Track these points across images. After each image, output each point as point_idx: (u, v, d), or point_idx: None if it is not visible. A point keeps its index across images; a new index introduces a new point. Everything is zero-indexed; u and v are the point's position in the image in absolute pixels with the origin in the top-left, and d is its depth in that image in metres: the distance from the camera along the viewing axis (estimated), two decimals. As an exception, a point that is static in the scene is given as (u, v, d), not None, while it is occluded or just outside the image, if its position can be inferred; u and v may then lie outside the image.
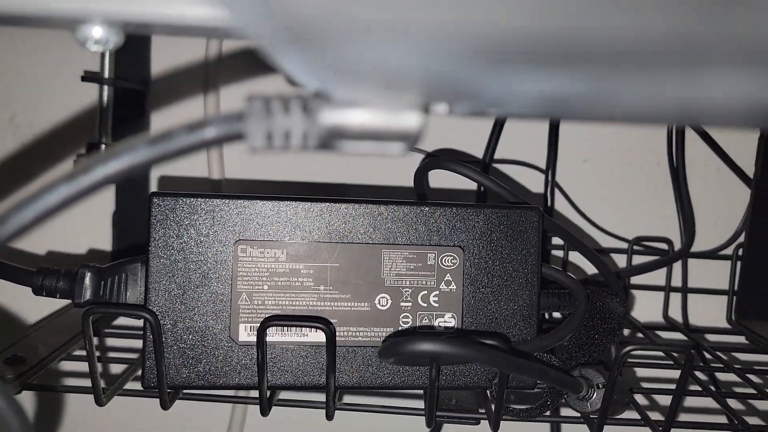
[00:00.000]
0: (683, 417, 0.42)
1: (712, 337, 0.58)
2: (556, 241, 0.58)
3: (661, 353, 0.55)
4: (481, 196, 0.56)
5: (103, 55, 0.53)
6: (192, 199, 0.38)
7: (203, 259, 0.38)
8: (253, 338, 0.38)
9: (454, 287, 0.40)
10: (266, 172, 0.58)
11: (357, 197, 0.41)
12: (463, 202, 0.42)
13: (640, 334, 0.54)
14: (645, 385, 0.57)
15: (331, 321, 0.39)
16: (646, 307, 0.59)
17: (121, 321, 0.55)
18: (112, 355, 0.56)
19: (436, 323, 0.40)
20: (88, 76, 0.53)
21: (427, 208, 0.40)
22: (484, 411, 0.41)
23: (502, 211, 0.41)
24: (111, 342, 0.57)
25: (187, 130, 0.21)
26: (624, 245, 0.58)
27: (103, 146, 0.53)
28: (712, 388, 0.46)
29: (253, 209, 0.39)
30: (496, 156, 0.56)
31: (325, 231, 0.39)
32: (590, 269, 0.58)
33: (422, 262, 0.40)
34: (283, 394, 0.44)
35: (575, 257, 0.58)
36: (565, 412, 0.44)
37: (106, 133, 0.54)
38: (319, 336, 0.39)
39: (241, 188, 0.57)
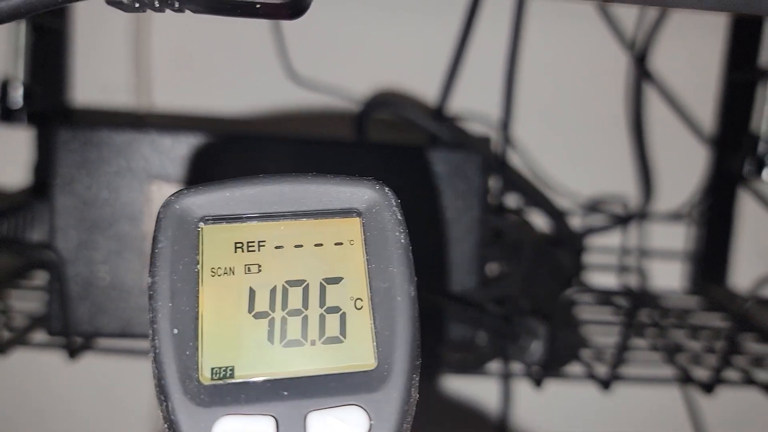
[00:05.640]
0: (633, 372, 0.39)
1: (668, 300, 0.56)
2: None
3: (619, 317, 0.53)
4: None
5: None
6: (101, 132, 0.35)
7: (113, 197, 0.35)
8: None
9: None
10: (203, 105, 0.53)
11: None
12: (401, 143, 0.39)
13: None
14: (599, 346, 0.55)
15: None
16: (604, 269, 0.56)
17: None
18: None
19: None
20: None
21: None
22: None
23: (442, 154, 0.38)
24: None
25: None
26: (578, 206, 0.55)
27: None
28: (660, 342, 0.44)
29: (169, 144, 0.36)
30: (451, 110, 0.54)
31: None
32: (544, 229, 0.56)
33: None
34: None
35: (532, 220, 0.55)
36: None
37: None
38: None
39: (171, 123, 0.53)
